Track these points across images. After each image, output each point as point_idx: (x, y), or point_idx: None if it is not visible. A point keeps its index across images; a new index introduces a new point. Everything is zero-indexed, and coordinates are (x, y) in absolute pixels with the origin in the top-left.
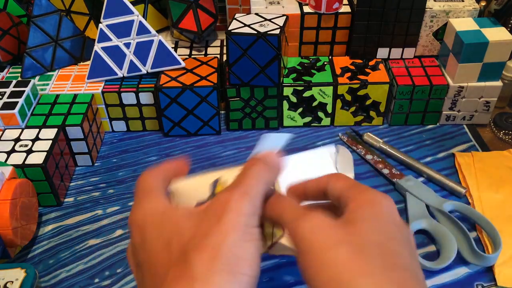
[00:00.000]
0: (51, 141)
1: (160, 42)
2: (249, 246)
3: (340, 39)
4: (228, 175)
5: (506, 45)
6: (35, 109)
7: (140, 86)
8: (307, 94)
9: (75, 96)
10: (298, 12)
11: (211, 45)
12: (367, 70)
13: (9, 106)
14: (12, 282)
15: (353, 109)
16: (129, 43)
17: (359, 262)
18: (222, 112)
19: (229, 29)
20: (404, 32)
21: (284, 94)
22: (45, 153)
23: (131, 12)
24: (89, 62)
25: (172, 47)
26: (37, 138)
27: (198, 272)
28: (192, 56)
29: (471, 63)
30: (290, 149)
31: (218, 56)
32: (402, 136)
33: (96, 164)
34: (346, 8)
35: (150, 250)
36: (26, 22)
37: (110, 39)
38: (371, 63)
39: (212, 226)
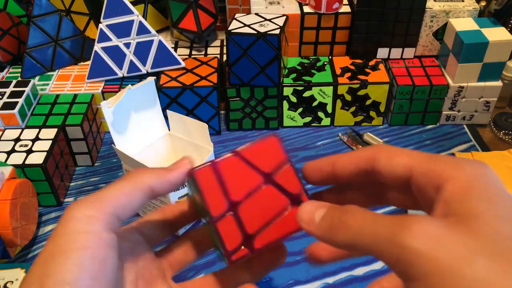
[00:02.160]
0: (51, 141)
1: (160, 42)
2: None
3: (340, 39)
4: None
5: (506, 45)
6: (35, 109)
7: None
8: (307, 94)
9: (75, 96)
10: (298, 12)
11: (211, 45)
12: (367, 70)
13: (9, 106)
14: (12, 282)
15: (353, 109)
16: (129, 43)
17: (505, 271)
18: (222, 112)
19: (229, 29)
20: (404, 32)
21: (284, 94)
22: (45, 153)
23: (131, 12)
24: (89, 62)
25: (172, 47)
26: (37, 138)
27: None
28: (192, 56)
29: (471, 63)
30: (290, 149)
31: (218, 56)
32: (402, 136)
33: (96, 164)
34: (346, 8)
35: None
36: (26, 22)
37: (110, 39)
38: (371, 63)
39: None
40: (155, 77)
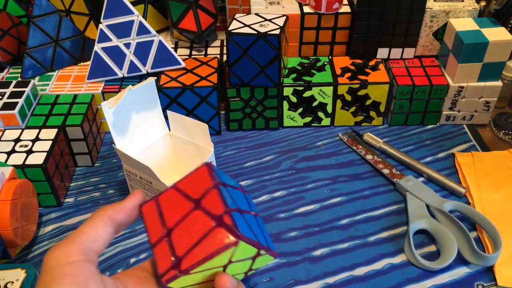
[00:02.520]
0: (51, 142)
1: (160, 42)
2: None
3: (340, 39)
4: None
5: (506, 45)
6: (35, 110)
7: None
8: (307, 94)
9: (75, 96)
10: (298, 12)
11: (211, 45)
12: (367, 70)
13: (9, 106)
14: (13, 282)
15: (353, 109)
16: (129, 43)
17: None
18: (222, 112)
19: (229, 29)
20: (404, 32)
21: (284, 94)
22: (45, 153)
23: (131, 12)
24: (89, 62)
25: (172, 47)
26: (37, 139)
27: None
28: (192, 56)
29: (471, 63)
30: (290, 149)
31: (218, 56)
32: (402, 136)
33: (96, 164)
34: (346, 8)
35: None
36: (26, 22)
37: (110, 39)
38: (371, 63)
39: None
40: (155, 77)
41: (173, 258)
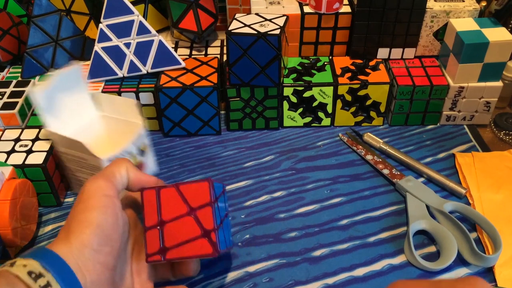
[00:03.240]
0: (51, 141)
1: (160, 42)
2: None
3: (340, 39)
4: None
5: (506, 45)
6: (35, 109)
7: (140, 86)
8: (307, 94)
9: None
10: (298, 12)
11: (211, 45)
12: (367, 70)
13: (9, 106)
14: None
15: (353, 109)
16: (129, 43)
17: None
18: (222, 112)
19: (229, 29)
20: (404, 32)
21: (284, 94)
22: (45, 153)
23: (131, 12)
24: (89, 62)
25: (172, 47)
26: (37, 138)
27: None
28: (192, 56)
29: (472, 63)
30: (290, 149)
31: (218, 56)
32: (402, 136)
33: None
34: (346, 8)
35: None
36: (26, 22)
37: (110, 39)
38: (372, 63)
39: None
40: (80, 62)
41: (161, 246)
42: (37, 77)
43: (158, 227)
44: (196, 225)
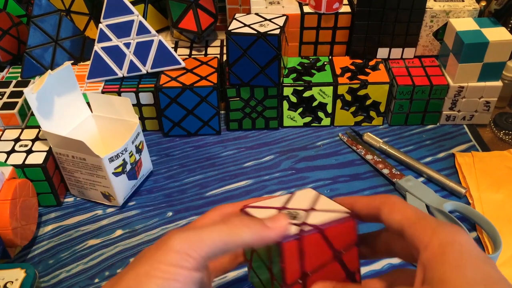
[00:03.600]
0: None
1: (160, 42)
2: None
3: (340, 39)
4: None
5: (506, 45)
6: None
7: (140, 86)
8: (307, 94)
9: None
10: (298, 12)
11: (211, 45)
12: (367, 70)
13: (9, 106)
14: (12, 282)
15: (353, 109)
16: (129, 43)
17: None
18: (222, 112)
19: (229, 29)
20: (404, 32)
21: (284, 94)
22: (45, 153)
23: (131, 12)
24: (89, 62)
25: (172, 47)
26: (37, 138)
27: None
28: (192, 56)
29: (471, 63)
30: (290, 149)
31: (218, 56)
32: (402, 136)
33: None
34: (346, 8)
35: None
36: (26, 22)
37: (110, 39)
38: (371, 63)
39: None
40: (72, 61)
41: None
42: (37, 77)
43: (300, 281)
44: (340, 269)
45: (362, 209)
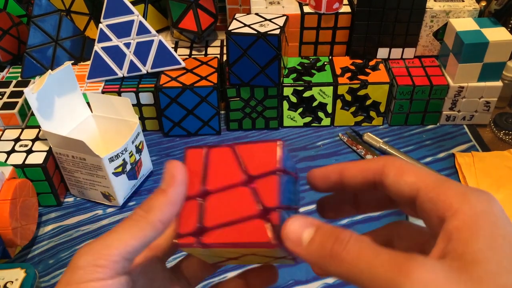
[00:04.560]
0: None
1: (160, 42)
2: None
3: (340, 39)
4: None
5: (506, 45)
6: None
7: (140, 86)
8: (307, 94)
9: None
10: (298, 12)
11: (211, 45)
12: (367, 70)
13: (9, 106)
14: (12, 282)
15: (353, 109)
16: (129, 43)
17: None
18: (222, 112)
19: (229, 29)
20: (404, 32)
21: (284, 94)
22: (45, 153)
23: (131, 12)
24: (89, 62)
25: (172, 47)
26: (37, 138)
27: None
28: (192, 56)
29: (471, 63)
30: (290, 149)
31: (218, 56)
32: (402, 136)
33: None
34: (346, 8)
35: None
36: (26, 22)
37: (110, 39)
38: (371, 63)
39: None
40: (72, 61)
41: (198, 224)
42: (37, 77)
43: (199, 199)
44: (253, 201)
45: (356, 175)
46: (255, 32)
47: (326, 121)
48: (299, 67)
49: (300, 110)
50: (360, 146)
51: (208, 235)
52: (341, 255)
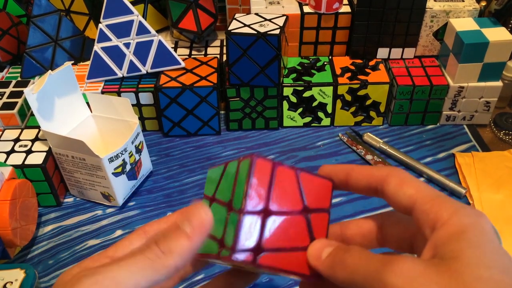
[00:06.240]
0: None
1: (160, 42)
2: None
3: (340, 39)
4: None
5: (506, 45)
6: None
7: (140, 86)
8: (307, 94)
9: None
10: (298, 12)
11: (211, 45)
12: (367, 70)
13: (9, 106)
14: (12, 282)
15: (353, 109)
16: (129, 43)
17: None
18: (222, 112)
19: (229, 29)
20: (404, 32)
21: (284, 94)
22: (45, 153)
23: (131, 12)
24: (89, 62)
25: (172, 47)
26: (36, 138)
27: None
28: (192, 56)
29: (471, 63)
30: (290, 149)
31: (218, 56)
32: (402, 136)
33: None
34: (346, 8)
35: None
36: (26, 22)
37: (110, 39)
38: (371, 63)
39: None
40: (72, 61)
41: (257, 242)
42: (37, 77)
43: (261, 216)
44: (305, 231)
45: (360, 179)
46: (255, 32)
47: (326, 121)
48: (299, 67)
49: (300, 110)
50: (360, 146)
51: (265, 256)
52: (346, 261)
